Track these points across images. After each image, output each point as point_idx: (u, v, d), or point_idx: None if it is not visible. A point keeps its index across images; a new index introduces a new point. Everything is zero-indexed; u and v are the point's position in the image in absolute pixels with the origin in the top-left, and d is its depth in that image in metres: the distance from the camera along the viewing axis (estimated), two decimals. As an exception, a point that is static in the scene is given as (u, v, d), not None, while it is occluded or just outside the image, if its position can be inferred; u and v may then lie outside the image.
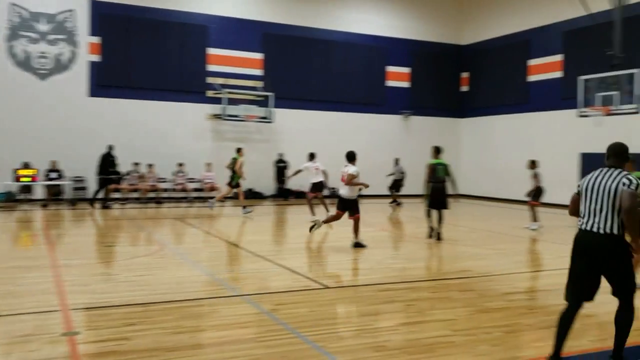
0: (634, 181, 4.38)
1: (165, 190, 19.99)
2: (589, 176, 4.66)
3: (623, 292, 4.55)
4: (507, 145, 23.18)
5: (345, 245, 11.46)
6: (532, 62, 22.27)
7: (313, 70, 22.84)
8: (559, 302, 6.85)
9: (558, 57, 21.11)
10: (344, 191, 10.76)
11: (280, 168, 21.52)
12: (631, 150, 16.23)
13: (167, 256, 9.70)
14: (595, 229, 4.47)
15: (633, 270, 4.54)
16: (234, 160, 16.48)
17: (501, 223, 15.51)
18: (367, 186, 10.80)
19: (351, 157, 10.90)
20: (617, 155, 4.63)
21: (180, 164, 20.12)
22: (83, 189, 19.21)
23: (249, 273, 8.40)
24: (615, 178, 4.44)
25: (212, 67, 21.27)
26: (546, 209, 16.99)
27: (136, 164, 19.27)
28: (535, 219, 13.95)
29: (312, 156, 15.70)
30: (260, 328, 5.68)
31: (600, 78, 16.92)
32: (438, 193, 11.65)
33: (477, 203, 22.42)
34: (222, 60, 21.38)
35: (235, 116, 20.95)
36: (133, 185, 19.18)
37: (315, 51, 22.87)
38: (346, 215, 10.85)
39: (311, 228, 11.28)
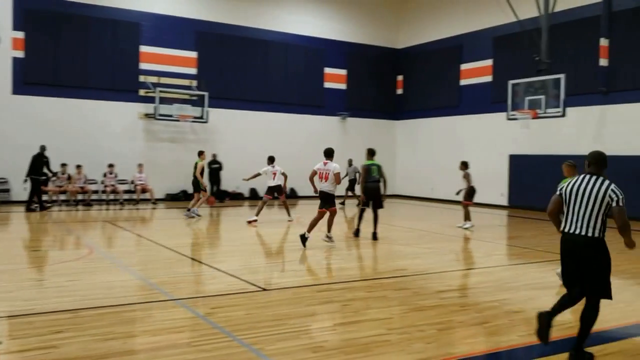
0: (620, 195, 4.76)
1: (95, 192, 19.33)
2: (572, 182, 5.01)
3: (597, 292, 4.88)
4: (440, 147, 23.77)
5: (282, 247, 11.43)
6: (464, 66, 22.93)
7: (249, 70, 22.65)
8: (490, 299, 7.08)
9: (488, 62, 21.84)
10: (325, 186, 10.91)
11: (214, 169, 21.17)
12: (556, 152, 17.10)
13: (97, 260, 9.37)
14: (577, 231, 4.85)
15: (609, 275, 4.89)
16: (196, 164, 15.86)
17: (435, 222, 15.87)
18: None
19: (330, 154, 11.09)
20: (597, 163, 4.98)
21: (111, 165, 19.49)
22: (6, 191, 18.33)
23: (184, 276, 8.22)
24: (600, 187, 4.80)
25: (144, 65, 20.73)
26: (477, 208, 17.50)
27: (63, 164, 18.49)
28: (468, 218, 14.39)
29: (271, 160, 15.35)
30: (195, 332, 5.57)
31: (528, 82, 17.58)
32: (373, 192, 11.94)
33: (412, 203, 22.86)
34: (155, 58, 20.88)
35: (169, 116, 20.48)
36: (60, 187, 18.42)
37: (252, 51, 22.70)
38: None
39: (329, 240, 11.05)
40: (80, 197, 18.75)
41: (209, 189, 21.14)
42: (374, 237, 11.92)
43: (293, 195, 22.78)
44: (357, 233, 12.27)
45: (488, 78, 21.83)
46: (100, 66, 19.93)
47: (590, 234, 4.79)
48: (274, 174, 14.98)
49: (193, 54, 21.63)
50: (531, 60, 18.00)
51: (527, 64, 18.56)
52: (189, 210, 15.75)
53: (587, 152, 16.50)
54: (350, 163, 20.78)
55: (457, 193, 14.76)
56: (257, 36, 22.75)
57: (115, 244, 11.80)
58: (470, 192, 14.38)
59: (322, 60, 24.38)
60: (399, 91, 26.31)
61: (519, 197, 20.33)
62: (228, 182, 21.38)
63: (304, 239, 10.69)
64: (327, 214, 10.99)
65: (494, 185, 20.52)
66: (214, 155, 21.27)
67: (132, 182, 19.84)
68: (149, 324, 5.88)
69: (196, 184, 15.87)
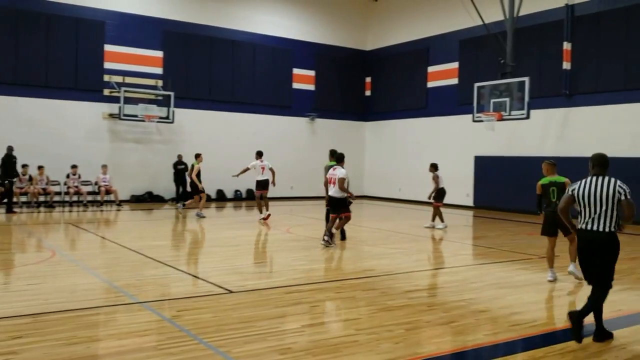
0: (627, 189, 5.36)
1: (58, 193, 18.90)
2: (582, 184, 5.56)
3: (603, 281, 5.43)
4: (407, 148, 23.97)
5: (249, 249, 11.36)
6: (431, 68, 23.17)
7: (216, 70, 22.46)
8: (457, 299, 7.15)
9: (455, 65, 22.09)
10: (333, 191, 11.12)
11: (180, 170, 20.88)
12: (520, 154, 17.33)
13: (60, 263, 9.17)
14: (595, 228, 5.41)
15: (614, 267, 5.46)
16: (192, 166, 16.41)
17: (402, 223, 15.98)
18: (353, 198, 11.42)
19: (340, 159, 11.32)
20: (601, 165, 5.54)
21: (74, 166, 19.06)
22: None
23: (149, 279, 8.09)
24: (609, 185, 5.39)
25: (109, 65, 20.36)
26: (443, 209, 17.68)
27: (24, 165, 17.97)
28: (441, 219, 14.61)
29: (259, 154, 15.74)
30: (161, 335, 5.48)
31: (493, 85, 17.83)
32: None
33: (379, 204, 22.98)
34: (120, 57, 20.53)
35: (134, 116, 20.16)
36: (21, 188, 17.94)
37: (219, 51, 22.51)
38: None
39: (328, 241, 11.11)
40: (42, 198, 18.31)
41: (174, 190, 20.96)
42: (343, 236, 12.02)
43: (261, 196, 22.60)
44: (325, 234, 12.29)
45: (454, 80, 22.09)
46: (63, 65, 19.50)
47: (607, 230, 5.36)
48: (263, 168, 15.44)
49: (159, 54, 21.36)
50: (496, 63, 18.27)
51: (492, 66, 18.84)
52: (183, 205, 16.51)
53: (550, 153, 16.92)
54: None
55: (429, 197, 14.95)
56: (224, 36, 22.59)
57: (79, 246, 11.56)
58: (440, 193, 14.62)
59: (291, 61, 24.33)
60: (368, 92, 26.44)
61: (484, 198, 20.63)
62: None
63: (330, 235, 11.14)
64: (342, 217, 11.30)
65: (459, 186, 20.77)
66: (179, 156, 21.00)
67: (96, 184, 19.46)
68: (113, 327, 5.77)
69: (194, 186, 16.32)
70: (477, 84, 18.30)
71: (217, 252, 11.07)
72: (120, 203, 19.27)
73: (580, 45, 17.85)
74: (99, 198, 19.17)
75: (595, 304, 5.43)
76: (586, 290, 7.82)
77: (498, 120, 17.69)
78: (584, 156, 17.19)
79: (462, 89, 21.19)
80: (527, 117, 16.94)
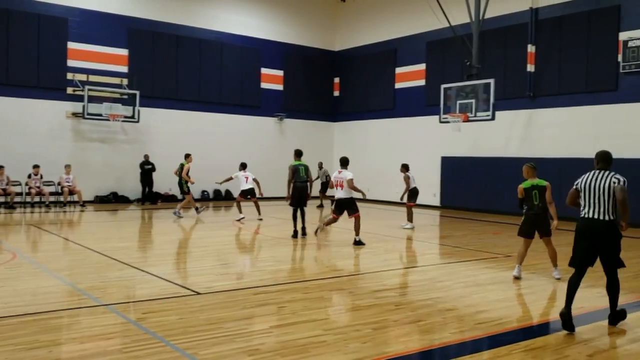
0: (622, 179, 5.82)
1: (19, 194, 18.43)
2: (585, 176, 6.05)
3: (614, 265, 5.93)
4: (376, 149, 24.09)
5: (216, 250, 11.28)
6: (399, 69, 23.33)
7: (183, 69, 22.20)
8: (424, 297, 7.21)
9: (422, 66, 22.29)
10: (341, 193, 11.55)
11: (147, 170, 20.58)
12: (485, 155, 17.56)
13: (21, 265, 8.94)
14: (595, 217, 5.87)
15: (620, 250, 5.93)
16: (182, 165, 16.58)
17: (372, 223, 16.01)
18: (364, 195, 11.80)
19: (345, 162, 11.76)
20: (604, 161, 6.04)
21: (36, 166, 18.59)
22: None
23: (114, 281, 7.95)
24: (607, 178, 5.87)
25: (73, 63, 19.94)
26: (414, 209, 17.83)
27: (-16, 165, 17.53)
28: (410, 219, 14.78)
29: (243, 166, 16.52)
30: (126, 338, 5.38)
31: (459, 87, 18.05)
32: (301, 192, 12.38)
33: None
34: (84, 55, 20.14)
35: (98, 115, 19.80)
36: (-19, 188, 17.46)
37: (186, 49, 22.26)
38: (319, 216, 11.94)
39: (316, 232, 12.21)
40: (2, 199, 17.82)
41: (140, 191, 20.66)
42: (303, 232, 12.43)
43: (228, 197, 22.47)
44: (295, 234, 12.34)
45: (421, 82, 22.28)
46: (24, 63, 19.01)
47: (606, 218, 5.80)
48: (246, 177, 16.19)
49: (124, 52, 21.01)
50: (462, 65, 18.51)
51: (458, 68, 19.08)
52: (197, 209, 16.91)
53: (515, 154, 17.21)
54: (320, 166, 20.87)
55: (401, 198, 15.17)
56: (191, 34, 22.34)
57: (41, 248, 11.30)
58: (413, 193, 14.80)
59: (259, 61, 24.22)
60: (336, 93, 26.49)
61: (451, 198, 20.88)
62: (160, 184, 20.90)
63: (357, 242, 11.49)
64: (353, 220, 11.64)
65: (427, 186, 20.93)
66: (146, 157, 20.72)
67: (59, 184, 19.03)
68: (76, 331, 5.65)
69: (182, 185, 16.63)
70: (443, 86, 18.50)
71: (185, 253, 10.96)
72: (84, 204, 18.91)
73: (544, 48, 18.21)
74: (61, 199, 18.77)
75: (616, 286, 5.92)
76: (556, 287, 7.97)
77: (464, 122, 17.91)
78: (547, 157, 17.62)
79: (429, 90, 21.39)
80: (493, 119, 17.19)
